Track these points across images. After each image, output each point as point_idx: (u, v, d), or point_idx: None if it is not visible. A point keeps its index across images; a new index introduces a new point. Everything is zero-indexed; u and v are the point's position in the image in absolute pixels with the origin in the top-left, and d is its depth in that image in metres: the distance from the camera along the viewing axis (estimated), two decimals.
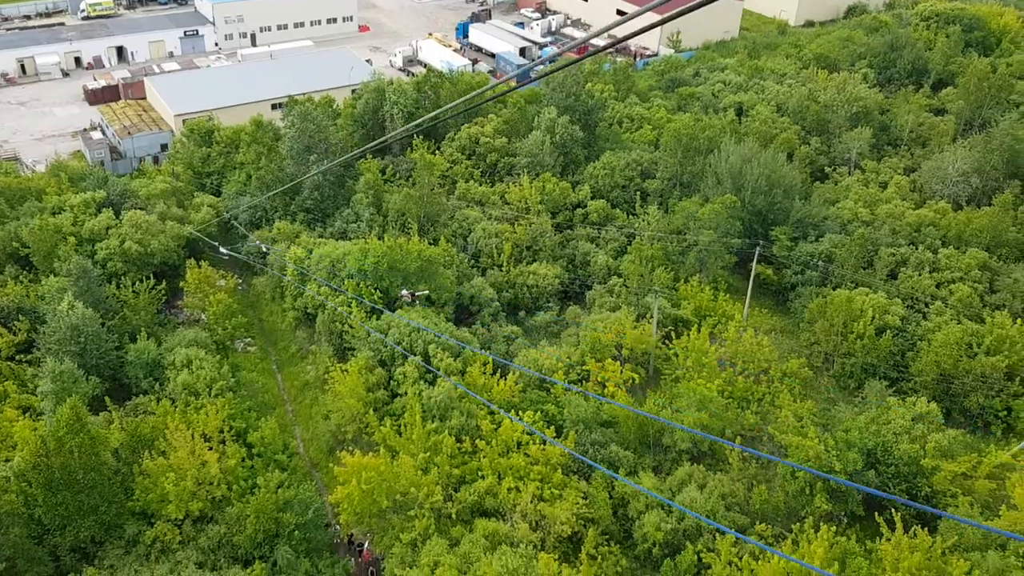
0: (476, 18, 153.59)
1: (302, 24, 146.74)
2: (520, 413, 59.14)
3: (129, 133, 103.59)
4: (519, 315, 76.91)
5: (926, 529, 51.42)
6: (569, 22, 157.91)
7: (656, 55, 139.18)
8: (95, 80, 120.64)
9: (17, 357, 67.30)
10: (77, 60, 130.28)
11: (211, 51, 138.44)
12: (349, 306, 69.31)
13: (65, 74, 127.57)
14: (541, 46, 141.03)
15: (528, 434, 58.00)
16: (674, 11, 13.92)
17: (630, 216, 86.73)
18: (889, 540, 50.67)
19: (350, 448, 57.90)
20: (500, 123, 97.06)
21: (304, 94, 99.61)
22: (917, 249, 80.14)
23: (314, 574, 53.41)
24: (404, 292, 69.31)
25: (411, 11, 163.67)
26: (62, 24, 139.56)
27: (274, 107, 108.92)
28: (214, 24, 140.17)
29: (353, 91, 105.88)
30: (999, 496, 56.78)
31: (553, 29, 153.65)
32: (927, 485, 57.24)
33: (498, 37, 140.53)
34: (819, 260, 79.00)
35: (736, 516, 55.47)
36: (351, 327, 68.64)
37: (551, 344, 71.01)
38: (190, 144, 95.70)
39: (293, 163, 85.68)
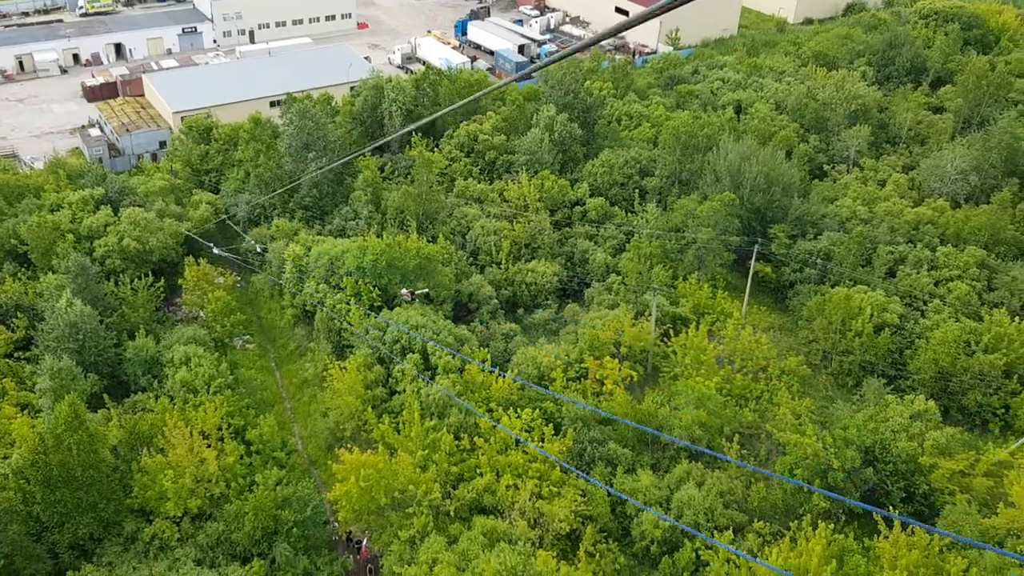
0: (475, 15, 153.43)
1: (300, 21, 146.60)
2: (519, 411, 59.18)
3: (127, 130, 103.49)
4: (518, 313, 76.94)
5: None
6: (568, 19, 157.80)
7: (655, 53, 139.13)
8: (93, 77, 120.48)
9: (15, 354, 67.28)
10: (75, 57, 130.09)
11: (209, 48, 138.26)
12: (348, 304, 69.32)
13: (63, 71, 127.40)
14: (540, 43, 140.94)
15: (527, 431, 58.08)
16: (660, 4, 13.87)
17: (629, 214, 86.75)
18: (887, 538, 50.77)
19: (348, 445, 57.92)
20: (499, 120, 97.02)
21: (303, 91, 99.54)
22: (915, 247, 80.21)
23: (312, 571, 53.45)
24: (404, 291, 69.32)
25: (410, 8, 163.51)
26: (60, 21, 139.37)
27: (272, 104, 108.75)
28: (212, 21, 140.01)
29: (352, 88, 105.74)
30: (997, 494, 56.87)
31: (552, 27, 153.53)
32: (925, 483, 57.35)
33: (497, 35, 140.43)
34: (817, 258, 79.05)
35: (734, 513, 55.55)
36: (350, 324, 68.66)
37: (550, 342, 71.03)
38: (188, 141, 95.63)
39: (291, 160, 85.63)
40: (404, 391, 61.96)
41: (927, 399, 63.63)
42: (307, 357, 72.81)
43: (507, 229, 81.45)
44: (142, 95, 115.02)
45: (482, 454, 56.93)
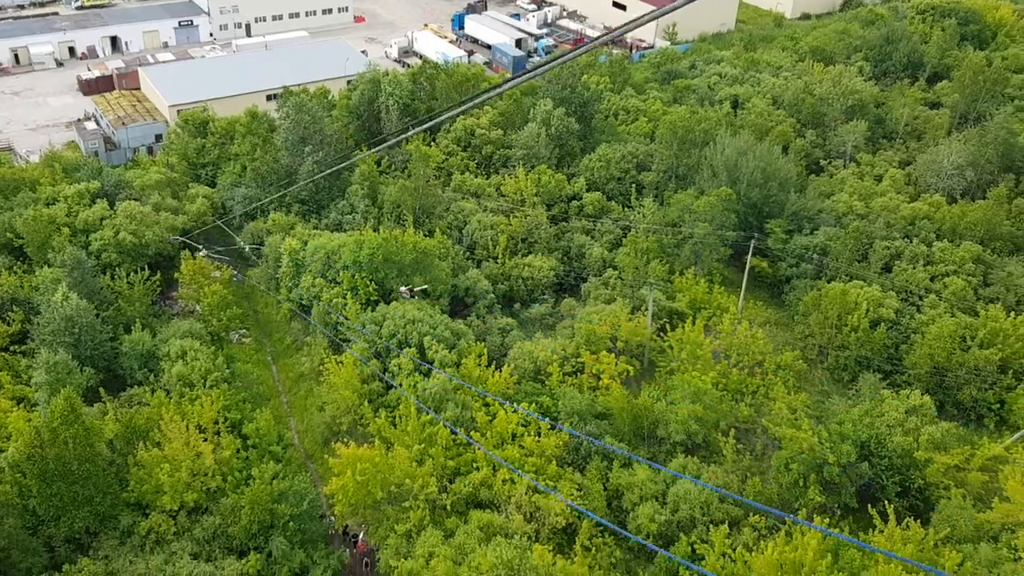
0: (472, 9, 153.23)
1: (297, 15, 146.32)
2: (515, 405, 59.17)
3: (123, 123, 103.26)
4: (514, 307, 76.93)
5: (919, 521, 51.71)
6: (565, 14, 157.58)
7: (652, 47, 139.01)
8: (89, 70, 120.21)
9: (11, 348, 67.23)
10: (71, 50, 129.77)
11: (206, 41, 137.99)
12: (344, 298, 69.27)
13: (59, 64, 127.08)
14: (537, 38, 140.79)
15: (524, 425, 58.13)
16: (673, 4, 13.80)
17: (625, 208, 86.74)
18: (882, 532, 50.90)
19: (345, 440, 57.95)
20: (496, 115, 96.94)
21: (299, 85, 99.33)
22: (911, 242, 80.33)
23: (309, 565, 53.50)
24: (403, 289, 69.32)
25: (407, 2, 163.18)
26: (56, 13, 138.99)
27: (269, 98, 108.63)
28: (209, 14, 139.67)
29: (348, 82, 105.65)
30: (992, 488, 57.01)
31: (549, 21, 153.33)
32: (920, 477, 57.47)
33: (494, 28, 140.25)
34: (814, 253, 79.14)
35: (730, 508, 55.64)
36: (346, 319, 68.61)
37: (546, 336, 71.06)
38: (185, 135, 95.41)
39: (288, 154, 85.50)
40: (400, 385, 61.96)
41: (923, 394, 63.71)
42: (303, 351, 72.77)
43: (504, 224, 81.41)
44: (138, 88, 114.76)
45: (478, 448, 56.96)
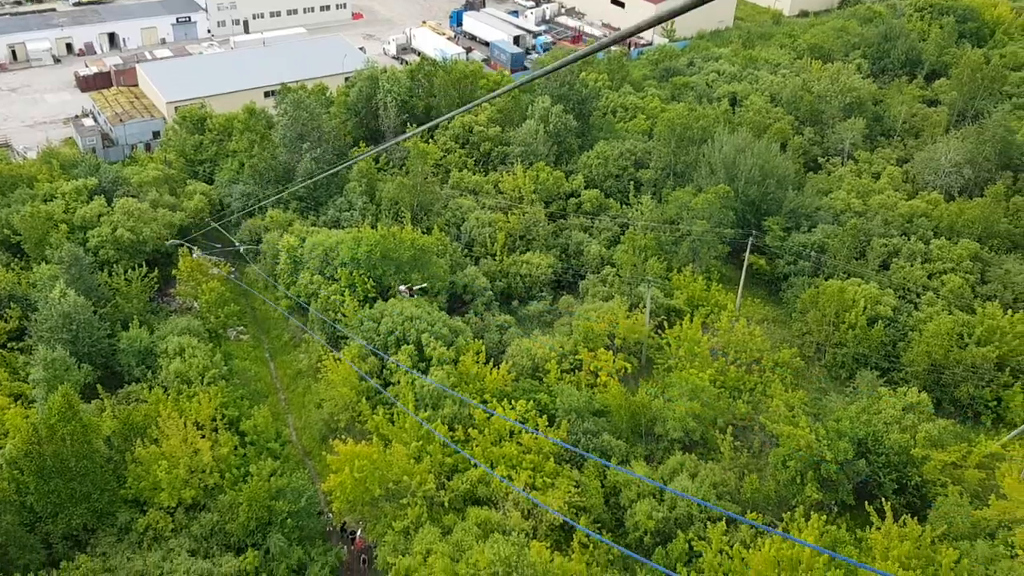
0: (470, 6, 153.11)
1: (295, 11, 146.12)
2: (513, 402, 59.26)
3: (121, 120, 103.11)
4: (512, 304, 76.98)
5: (915, 518, 51.81)
6: (563, 10, 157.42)
7: (650, 44, 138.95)
8: (87, 66, 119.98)
9: (9, 345, 67.12)
10: (68, 46, 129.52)
11: (204, 38, 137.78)
12: (342, 295, 69.25)
13: (56, 60, 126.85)
14: (535, 34, 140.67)
15: (521, 422, 58.14)
16: (684, 4, 13.67)
17: (623, 206, 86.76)
18: (879, 529, 51.02)
19: (343, 436, 57.96)
20: (494, 112, 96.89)
21: (297, 82, 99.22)
22: (909, 240, 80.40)
23: (307, 562, 53.51)
24: (402, 288, 69.32)
25: None
26: (53, 10, 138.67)
27: (267, 95, 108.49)
28: (207, 11, 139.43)
29: (346, 79, 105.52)
30: (988, 486, 57.16)
31: (547, 17, 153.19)
32: (917, 474, 57.57)
33: (492, 25, 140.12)
34: (811, 250, 79.20)
35: (727, 504, 55.70)
36: (344, 316, 68.61)
37: (544, 333, 71.10)
38: (182, 131, 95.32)
39: (286, 151, 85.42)
40: (398, 382, 61.98)
41: (920, 391, 63.82)
42: (301, 348, 72.76)
43: (502, 221, 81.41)
44: (136, 85, 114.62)
45: (476, 445, 57.01)
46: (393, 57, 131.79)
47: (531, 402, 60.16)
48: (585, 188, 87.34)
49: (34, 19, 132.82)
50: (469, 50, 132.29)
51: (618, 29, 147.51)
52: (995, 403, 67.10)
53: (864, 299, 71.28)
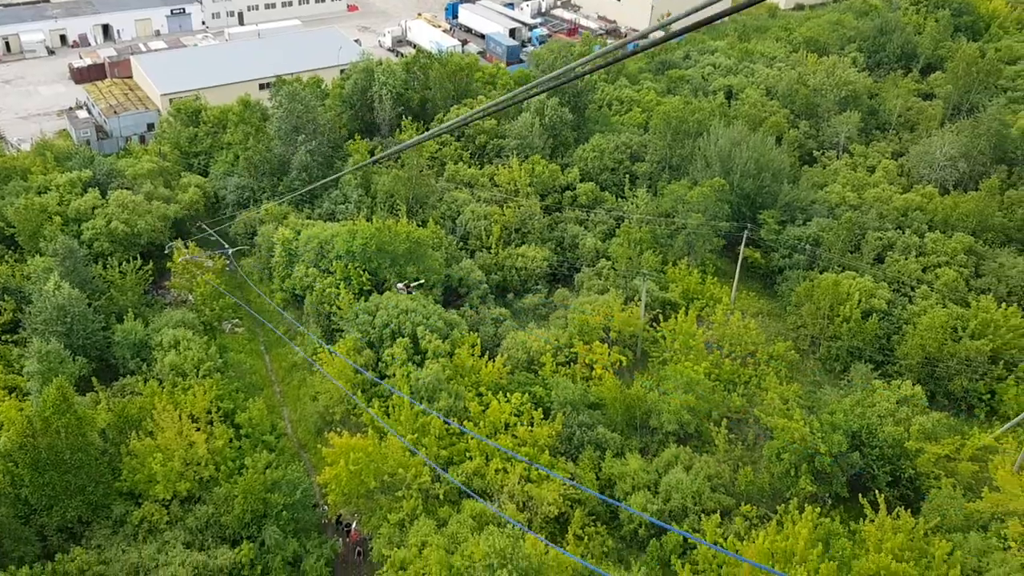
0: None
1: (290, 3, 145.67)
2: (508, 395, 59.34)
3: (115, 112, 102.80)
4: (507, 297, 76.99)
5: (909, 510, 52.03)
6: (559, 3, 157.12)
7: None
8: (81, 58, 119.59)
9: (3, 337, 67.02)
10: (62, 38, 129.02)
11: (198, 30, 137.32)
12: (337, 287, 69.19)
13: (50, 52, 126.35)
14: (531, 27, 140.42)
15: (516, 415, 58.24)
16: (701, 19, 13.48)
17: (619, 199, 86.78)
18: (872, 521, 51.24)
19: (338, 429, 57.98)
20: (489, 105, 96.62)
21: (292, 74, 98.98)
22: (904, 233, 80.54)
23: (302, 554, 53.56)
24: (399, 285, 69.29)
25: None
26: (47, 1, 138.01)
27: (262, 87, 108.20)
28: (201, 2, 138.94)
29: (342, 71, 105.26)
30: (982, 478, 57.40)
31: (543, 10, 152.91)
32: (911, 467, 57.80)
33: (488, 18, 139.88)
34: (806, 244, 79.31)
35: (721, 497, 55.90)
36: (339, 308, 68.57)
37: (539, 326, 71.15)
38: (177, 124, 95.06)
39: (281, 144, 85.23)
40: (394, 375, 62.00)
41: (914, 384, 64.07)
42: (296, 341, 72.73)
43: (497, 214, 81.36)
44: (130, 77, 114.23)
45: (471, 438, 57.06)
46: (388, 49, 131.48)
47: (526, 395, 60.25)
48: (581, 181, 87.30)
49: (28, 10, 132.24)
50: (465, 43, 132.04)
51: (614, 22, 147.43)
52: (988, 396, 67.37)
53: (859, 292, 71.43)
